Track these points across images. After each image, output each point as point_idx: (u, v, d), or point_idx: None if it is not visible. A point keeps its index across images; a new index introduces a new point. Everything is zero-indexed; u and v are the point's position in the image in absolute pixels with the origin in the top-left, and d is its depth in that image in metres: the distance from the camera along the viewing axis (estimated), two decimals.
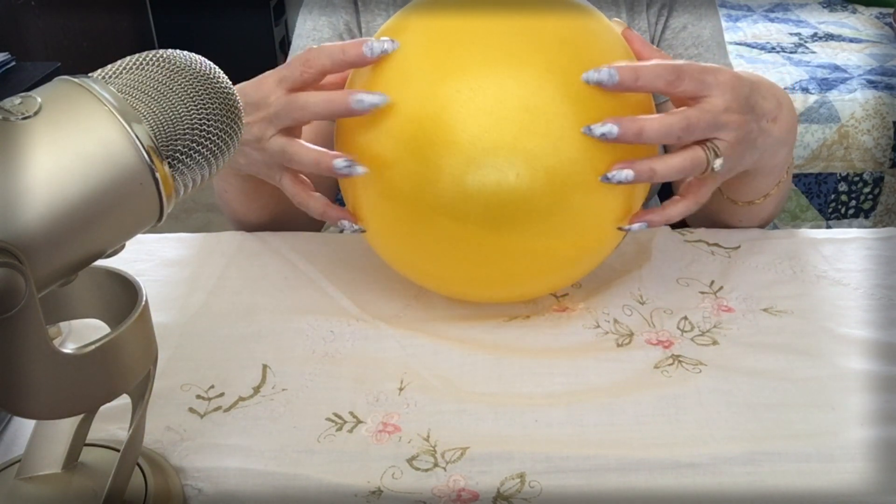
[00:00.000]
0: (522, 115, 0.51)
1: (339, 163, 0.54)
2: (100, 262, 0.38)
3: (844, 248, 0.69)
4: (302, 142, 0.57)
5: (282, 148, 0.57)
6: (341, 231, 0.59)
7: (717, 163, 0.54)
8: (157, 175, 0.37)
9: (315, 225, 0.80)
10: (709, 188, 0.57)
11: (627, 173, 0.52)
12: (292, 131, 0.58)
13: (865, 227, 1.76)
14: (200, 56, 0.40)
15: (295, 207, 0.60)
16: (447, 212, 0.53)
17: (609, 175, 0.52)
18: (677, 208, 0.57)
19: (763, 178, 0.64)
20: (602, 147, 0.52)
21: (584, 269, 0.60)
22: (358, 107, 0.52)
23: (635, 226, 0.56)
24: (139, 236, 0.39)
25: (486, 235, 0.53)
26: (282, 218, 0.73)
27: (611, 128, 0.50)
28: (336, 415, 0.52)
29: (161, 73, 0.38)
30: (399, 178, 0.53)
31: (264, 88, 0.57)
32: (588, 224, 0.55)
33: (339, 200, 0.70)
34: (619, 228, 0.56)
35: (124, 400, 0.42)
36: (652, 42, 0.83)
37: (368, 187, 0.56)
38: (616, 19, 0.59)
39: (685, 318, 0.61)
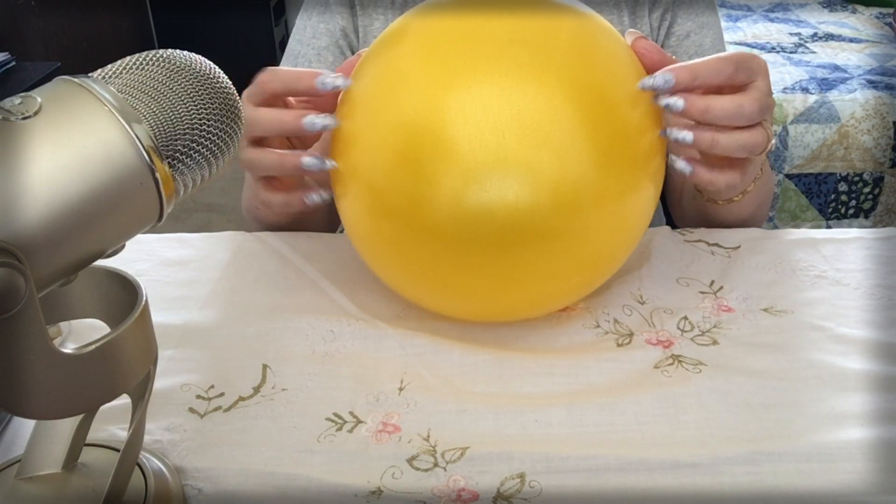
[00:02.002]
0: (525, 127, 0.48)
1: (308, 160, 0.54)
2: (100, 262, 0.38)
3: (844, 248, 0.69)
4: (263, 148, 0.57)
5: (246, 157, 0.58)
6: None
7: (773, 142, 0.55)
8: (157, 175, 0.37)
9: (331, 226, 0.81)
10: (749, 167, 0.57)
11: (686, 135, 0.51)
12: (263, 143, 0.58)
13: (865, 227, 1.76)
14: (200, 56, 0.40)
15: (318, 208, 0.60)
16: (444, 232, 0.50)
17: (668, 130, 0.51)
18: (724, 175, 0.56)
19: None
20: (613, 160, 0.50)
21: (593, 288, 0.59)
22: (310, 128, 0.53)
23: (680, 163, 0.55)
24: (139, 236, 0.39)
25: (487, 258, 0.51)
26: (308, 219, 0.75)
27: (676, 100, 0.50)
28: (336, 415, 0.52)
29: (161, 73, 0.38)
30: (392, 194, 0.51)
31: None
32: (598, 244, 0.53)
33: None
34: (662, 133, 0.53)
35: (124, 400, 0.42)
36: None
37: (360, 203, 0.53)
38: (631, 30, 0.57)
39: (685, 318, 0.61)
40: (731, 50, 2.10)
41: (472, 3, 0.54)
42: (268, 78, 0.56)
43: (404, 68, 0.52)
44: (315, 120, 0.53)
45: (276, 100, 0.58)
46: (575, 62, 0.51)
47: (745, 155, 0.55)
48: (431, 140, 0.49)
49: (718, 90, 0.55)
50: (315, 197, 0.58)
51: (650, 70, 0.55)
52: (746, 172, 0.57)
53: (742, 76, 0.53)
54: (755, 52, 2.04)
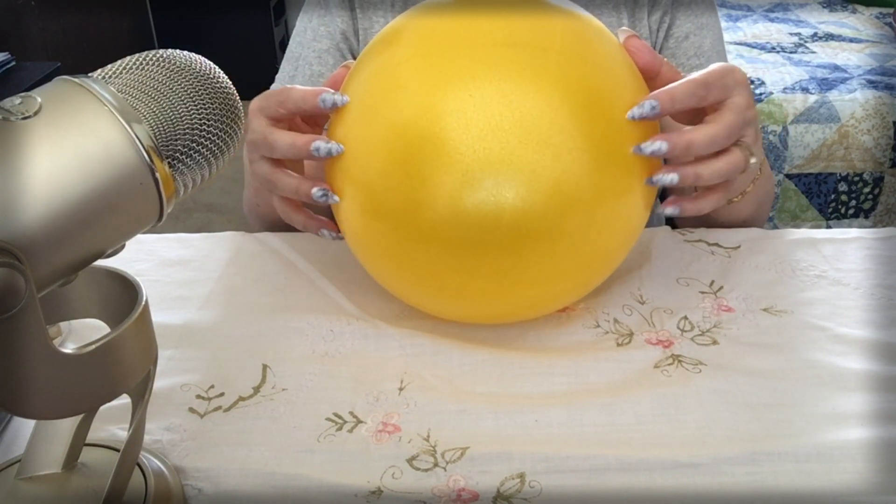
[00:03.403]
0: (521, 128, 0.48)
1: (316, 192, 0.56)
2: (100, 262, 0.38)
3: (844, 248, 0.69)
4: (284, 171, 0.59)
5: (266, 176, 0.59)
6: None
7: (753, 161, 0.56)
8: (157, 175, 0.37)
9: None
10: (736, 183, 0.58)
11: (672, 177, 0.53)
12: (278, 161, 0.60)
13: (865, 226, 1.76)
14: (200, 56, 0.40)
15: (323, 208, 0.61)
16: (441, 234, 0.50)
17: (654, 178, 0.53)
18: (709, 200, 0.57)
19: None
20: (610, 160, 0.50)
21: (591, 288, 0.58)
22: (315, 154, 0.54)
23: (668, 209, 0.56)
24: (139, 236, 0.39)
25: (485, 260, 0.51)
26: None
27: (660, 145, 0.52)
28: (336, 415, 0.52)
29: (161, 73, 0.38)
30: (388, 195, 0.51)
31: (249, 111, 0.60)
32: (597, 244, 0.53)
33: None
34: (651, 192, 0.55)
35: (124, 400, 0.42)
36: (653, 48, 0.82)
37: (355, 205, 0.53)
38: (623, 28, 0.58)
39: (685, 317, 0.61)
40: (730, 50, 2.08)
41: (468, 4, 0.54)
42: (285, 97, 0.57)
43: (400, 70, 0.52)
44: (320, 145, 0.54)
45: (289, 118, 0.59)
46: (571, 64, 0.51)
47: (726, 179, 0.56)
48: (429, 142, 0.49)
49: (697, 111, 0.56)
50: (326, 234, 0.59)
51: (642, 68, 0.56)
52: (730, 191, 0.58)
53: (716, 95, 0.54)
54: (755, 51, 2.04)
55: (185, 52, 0.40)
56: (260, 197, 0.73)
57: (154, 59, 0.39)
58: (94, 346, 0.37)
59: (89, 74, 0.37)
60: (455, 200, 0.49)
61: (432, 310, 0.59)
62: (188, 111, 0.38)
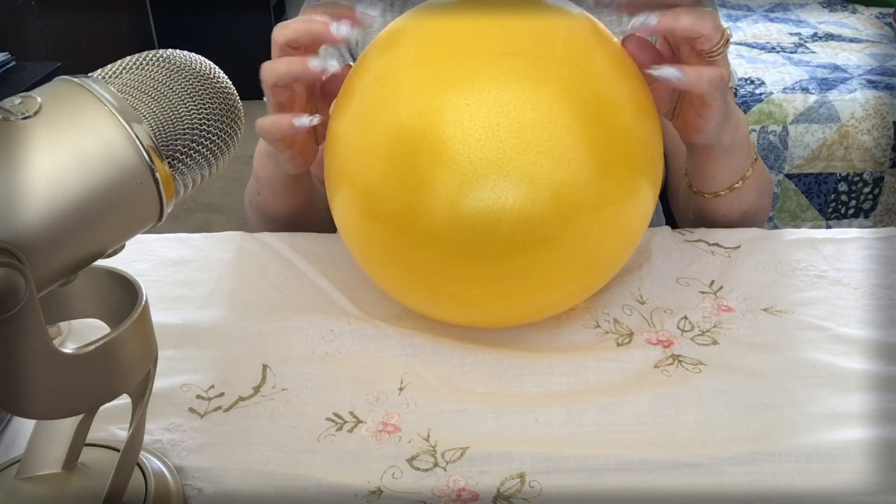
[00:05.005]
0: (518, 137, 0.48)
1: (315, 62, 0.57)
2: (100, 262, 0.38)
3: (844, 248, 0.69)
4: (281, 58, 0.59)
5: (269, 126, 0.59)
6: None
7: (728, 29, 0.57)
8: (157, 175, 0.37)
9: (331, 226, 0.82)
10: (725, 69, 0.58)
11: (653, 18, 0.54)
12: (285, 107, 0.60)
13: (865, 226, 1.76)
14: (200, 56, 0.40)
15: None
16: (439, 240, 0.50)
17: (637, 20, 0.54)
18: (710, 70, 0.56)
19: (737, 152, 0.66)
20: (610, 165, 0.50)
21: (592, 292, 0.58)
22: (313, 67, 0.56)
23: (665, 69, 0.55)
24: (139, 236, 0.39)
25: (485, 266, 0.50)
26: (308, 214, 0.76)
27: (648, 17, 0.54)
28: (336, 415, 0.52)
29: (161, 73, 0.38)
30: (388, 200, 0.50)
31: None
32: (598, 249, 0.52)
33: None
34: (648, 72, 0.55)
35: (124, 400, 0.42)
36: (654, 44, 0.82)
37: (354, 207, 0.53)
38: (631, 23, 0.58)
39: (685, 317, 0.61)
40: (730, 50, 2.09)
41: (469, 6, 0.54)
42: (276, 35, 0.58)
43: (400, 77, 0.51)
44: (315, 61, 0.56)
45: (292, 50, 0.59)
46: (572, 72, 0.50)
47: (708, 31, 0.55)
48: (427, 149, 0.49)
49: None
50: (305, 120, 0.58)
51: (643, 68, 0.56)
52: (727, 71, 0.58)
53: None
54: (755, 51, 2.04)
55: (185, 52, 0.40)
56: (261, 185, 0.72)
57: (154, 59, 0.39)
58: (94, 346, 0.37)
59: (89, 74, 0.37)
60: (453, 207, 0.49)
61: (432, 313, 0.59)
62: (188, 111, 0.38)
